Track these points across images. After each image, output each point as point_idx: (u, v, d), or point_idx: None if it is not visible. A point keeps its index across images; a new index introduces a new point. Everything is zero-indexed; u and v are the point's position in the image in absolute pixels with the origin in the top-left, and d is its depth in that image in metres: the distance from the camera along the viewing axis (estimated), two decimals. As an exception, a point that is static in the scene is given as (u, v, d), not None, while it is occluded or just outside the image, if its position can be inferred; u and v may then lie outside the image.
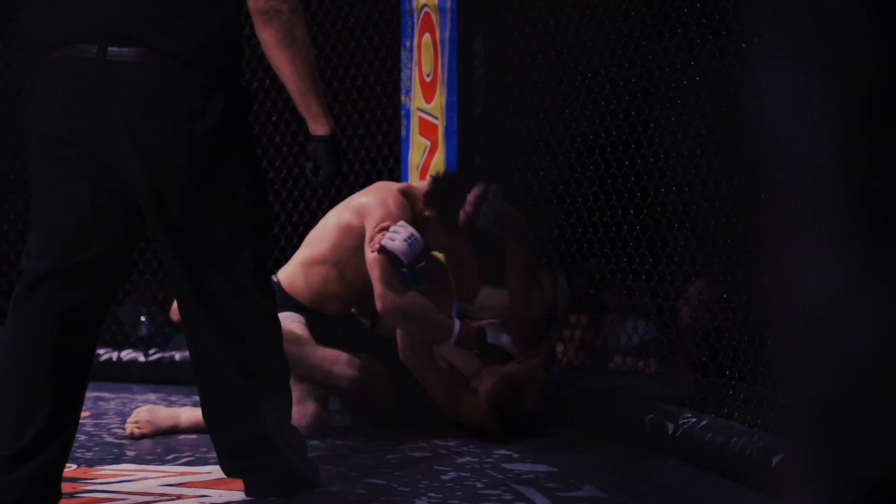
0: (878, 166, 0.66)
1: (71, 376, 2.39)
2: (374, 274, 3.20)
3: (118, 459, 3.04)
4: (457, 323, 3.31)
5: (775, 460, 2.48)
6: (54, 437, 2.36)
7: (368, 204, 3.35)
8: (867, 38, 0.66)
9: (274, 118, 5.18)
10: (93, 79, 2.31)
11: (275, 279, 3.50)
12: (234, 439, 2.49)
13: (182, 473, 2.82)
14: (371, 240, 3.23)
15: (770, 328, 0.76)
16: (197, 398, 2.89)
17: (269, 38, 2.42)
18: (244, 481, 2.53)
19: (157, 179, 2.32)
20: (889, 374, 0.67)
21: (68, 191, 2.36)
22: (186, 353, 5.36)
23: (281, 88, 2.92)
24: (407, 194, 3.41)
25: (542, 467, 2.88)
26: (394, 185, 3.55)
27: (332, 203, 3.86)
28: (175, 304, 2.78)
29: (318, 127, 2.52)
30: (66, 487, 2.61)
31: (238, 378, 2.45)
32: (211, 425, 2.54)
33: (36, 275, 2.38)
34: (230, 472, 2.54)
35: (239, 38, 2.44)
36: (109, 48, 2.30)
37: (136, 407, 4.27)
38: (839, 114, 0.67)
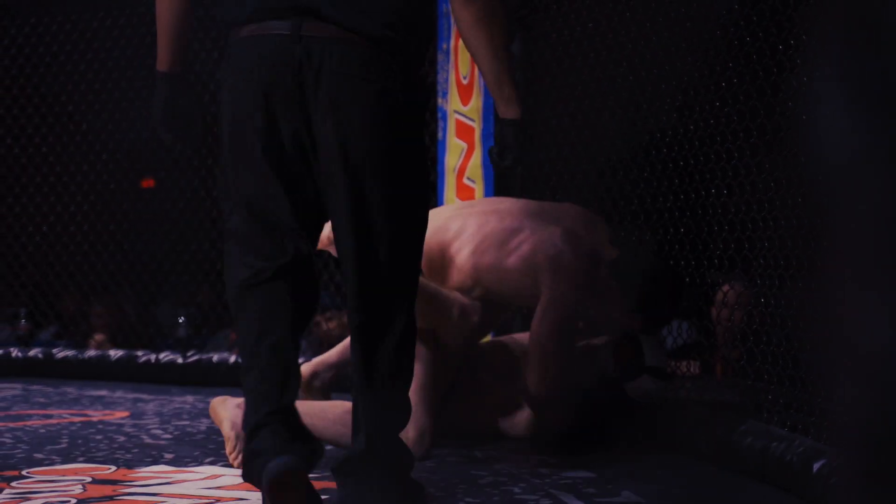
0: None
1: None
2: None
3: (157, 461, 3.05)
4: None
5: (816, 466, 2.45)
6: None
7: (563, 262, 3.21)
8: None
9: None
10: (288, 54, 2.27)
11: None
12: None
13: (220, 475, 2.83)
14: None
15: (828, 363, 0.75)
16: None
17: (469, 17, 2.37)
18: (338, 485, 2.44)
19: (350, 154, 2.29)
20: None
21: (265, 166, 2.31)
22: (223, 355, 5.42)
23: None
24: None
25: (580, 473, 2.87)
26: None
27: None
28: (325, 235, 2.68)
29: (510, 110, 2.47)
30: (105, 489, 2.63)
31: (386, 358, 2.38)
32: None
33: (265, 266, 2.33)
34: (332, 469, 2.46)
35: (429, 22, 2.41)
36: (304, 24, 2.27)
37: (175, 409, 4.30)
38: None
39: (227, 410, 3.10)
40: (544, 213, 3.31)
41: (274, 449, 2.21)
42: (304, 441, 2.29)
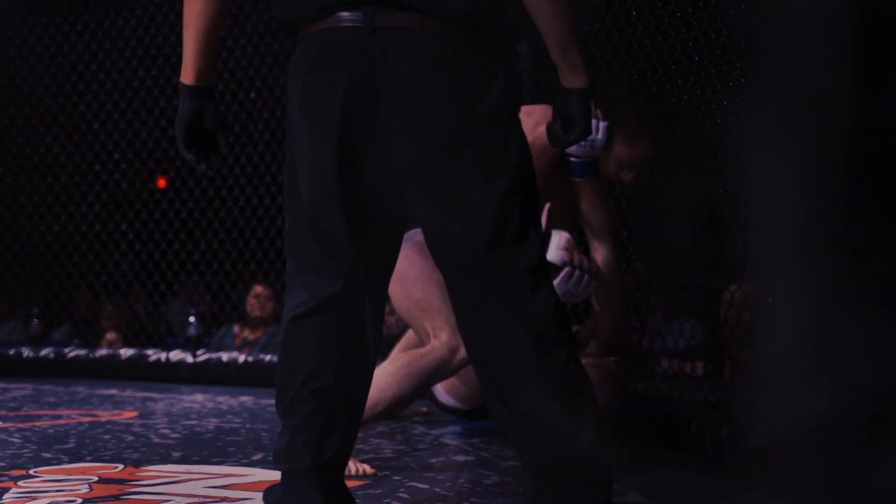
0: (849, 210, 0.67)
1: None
2: None
3: (164, 460, 3.06)
4: None
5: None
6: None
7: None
8: (842, 95, 0.67)
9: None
10: (362, 48, 2.07)
11: None
12: None
13: (227, 475, 2.83)
14: None
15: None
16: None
17: None
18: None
19: (428, 154, 2.08)
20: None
21: (334, 176, 2.11)
22: (233, 355, 5.44)
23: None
24: None
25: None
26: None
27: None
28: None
29: (576, 78, 2.18)
30: (111, 489, 2.64)
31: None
32: None
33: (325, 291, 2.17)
34: None
35: (512, 5, 2.16)
36: (377, 14, 2.08)
37: (185, 407, 4.31)
38: (816, 160, 0.68)
39: None
40: None
41: None
42: None
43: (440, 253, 2.19)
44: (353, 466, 2.79)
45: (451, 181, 2.09)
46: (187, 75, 2.25)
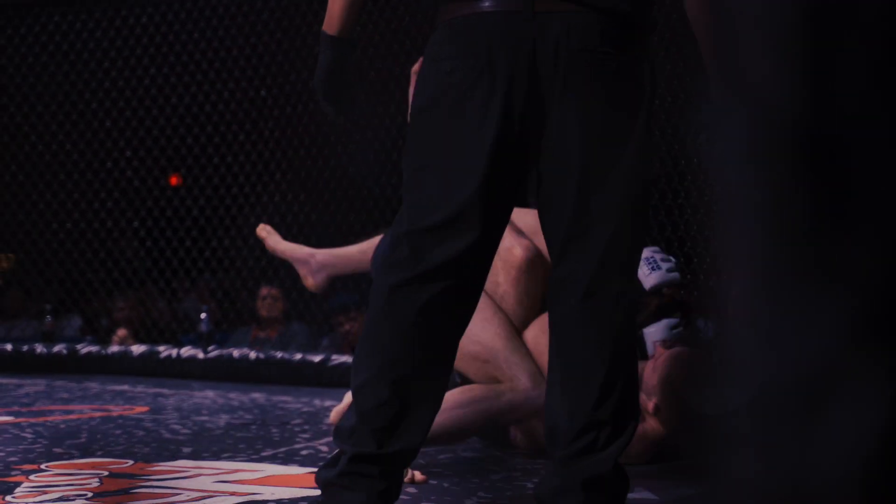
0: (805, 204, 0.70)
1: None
2: None
3: (174, 456, 3.08)
4: None
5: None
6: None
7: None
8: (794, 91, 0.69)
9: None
10: (522, 33, 2.00)
11: None
12: None
13: (236, 471, 2.85)
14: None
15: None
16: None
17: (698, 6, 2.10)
18: None
19: (585, 142, 2.02)
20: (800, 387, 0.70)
21: (483, 162, 2.02)
22: (244, 351, 5.46)
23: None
24: None
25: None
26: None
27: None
28: None
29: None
30: (122, 483, 2.66)
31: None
32: None
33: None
34: None
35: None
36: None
37: (195, 404, 4.34)
38: (768, 158, 0.70)
39: None
40: None
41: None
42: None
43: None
44: (408, 471, 2.66)
45: (611, 183, 2.04)
46: (331, 25, 2.19)
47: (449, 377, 2.15)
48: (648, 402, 2.97)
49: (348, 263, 3.54)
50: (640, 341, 3.08)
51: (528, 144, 2.03)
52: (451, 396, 2.94)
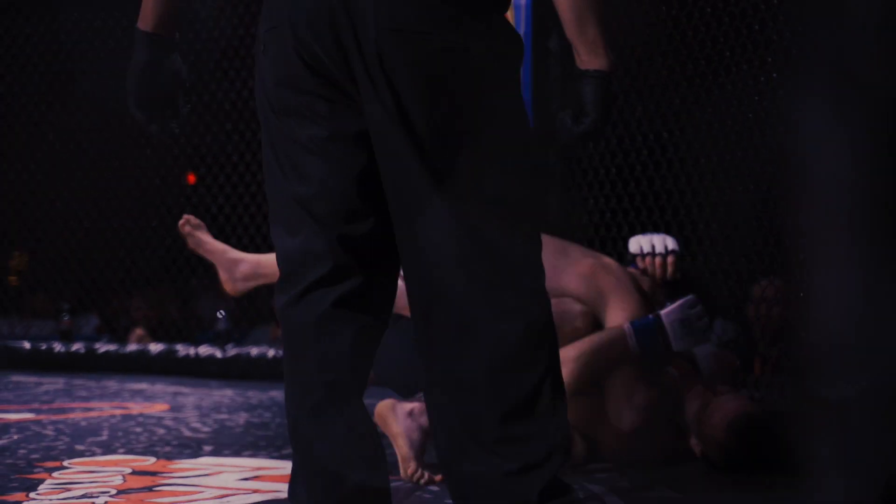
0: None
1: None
2: None
3: (196, 454, 3.08)
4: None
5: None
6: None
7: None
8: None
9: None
10: (324, 8, 1.77)
11: None
12: None
13: (258, 468, 2.85)
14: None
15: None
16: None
17: None
18: None
19: (410, 119, 1.76)
20: None
21: (308, 148, 1.85)
22: (262, 349, 5.47)
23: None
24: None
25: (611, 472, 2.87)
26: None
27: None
28: None
29: (594, 58, 1.82)
30: (145, 481, 2.66)
31: None
32: None
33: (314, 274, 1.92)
34: None
35: None
36: None
37: (215, 402, 4.34)
38: (864, 131, 0.69)
39: (399, 422, 2.73)
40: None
41: None
42: None
43: None
44: (423, 473, 2.66)
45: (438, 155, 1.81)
46: (145, 20, 1.96)
47: None
48: (696, 446, 2.91)
49: (274, 273, 3.46)
50: (692, 358, 3.00)
51: (355, 142, 1.85)
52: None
